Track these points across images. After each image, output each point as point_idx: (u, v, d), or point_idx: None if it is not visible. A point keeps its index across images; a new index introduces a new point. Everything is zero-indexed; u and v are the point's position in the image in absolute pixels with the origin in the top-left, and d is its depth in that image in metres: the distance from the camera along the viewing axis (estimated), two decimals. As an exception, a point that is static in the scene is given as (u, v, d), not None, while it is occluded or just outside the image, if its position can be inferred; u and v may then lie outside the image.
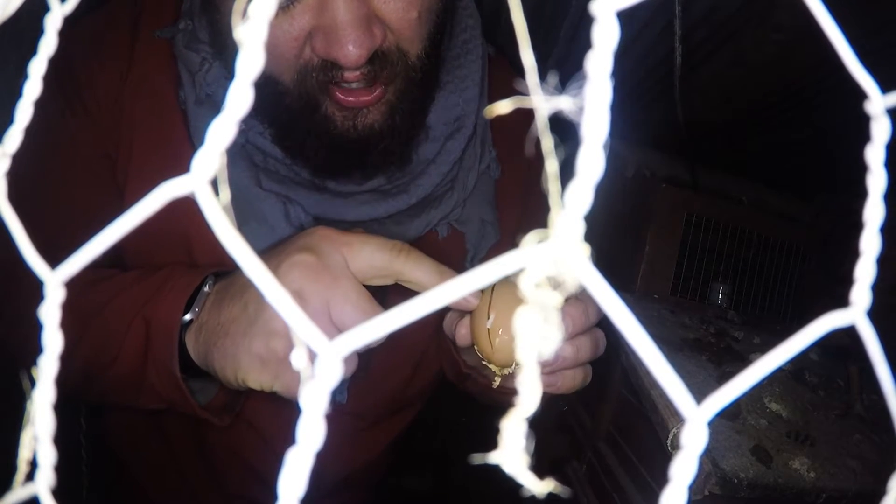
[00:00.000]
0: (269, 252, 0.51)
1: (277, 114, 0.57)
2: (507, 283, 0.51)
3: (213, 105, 0.62)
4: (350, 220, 0.64)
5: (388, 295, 0.71)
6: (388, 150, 0.60)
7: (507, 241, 0.74)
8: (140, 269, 0.60)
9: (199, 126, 0.62)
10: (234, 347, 0.48)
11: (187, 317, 0.51)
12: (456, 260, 0.72)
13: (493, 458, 0.13)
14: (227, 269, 0.54)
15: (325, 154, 0.59)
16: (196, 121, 0.62)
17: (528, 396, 0.13)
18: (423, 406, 0.89)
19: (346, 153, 0.59)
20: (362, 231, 0.53)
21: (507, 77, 0.78)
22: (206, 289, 0.53)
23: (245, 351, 0.47)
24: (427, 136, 0.66)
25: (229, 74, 0.61)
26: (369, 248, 0.48)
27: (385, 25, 0.52)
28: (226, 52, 0.59)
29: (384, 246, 0.49)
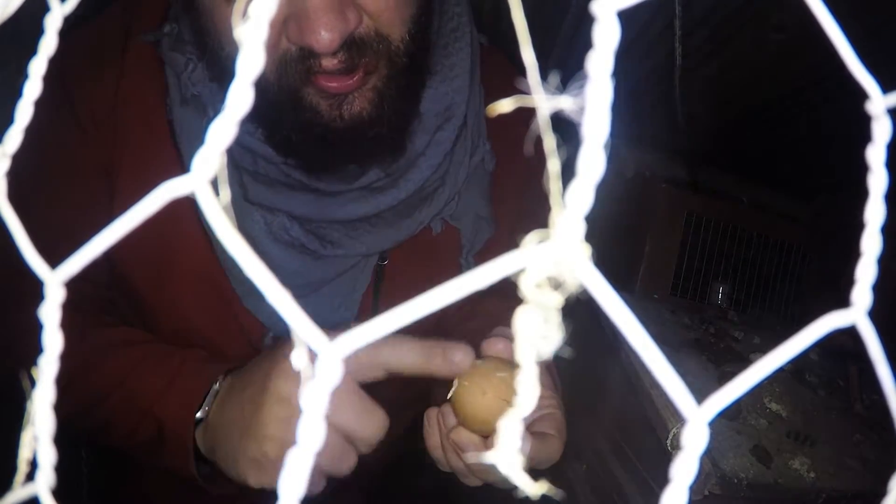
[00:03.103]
0: (264, 356, 0.52)
1: (264, 111, 0.56)
2: (499, 363, 0.48)
3: (199, 105, 0.61)
4: (340, 219, 0.63)
5: (379, 300, 0.71)
6: (379, 139, 0.58)
7: (503, 236, 0.73)
8: (145, 346, 0.61)
9: (185, 127, 0.62)
10: (233, 451, 0.50)
11: (199, 415, 0.54)
12: (451, 256, 0.71)
13: (489, 457, 0.13)
14: (237, 364, 0.56)
15: (315, 148, 0.58)
16: (181, 122, 0.62)
17: (526, 397, 0.13)
18: (423, 407, 0.88)
19: (336, 145, 0.58)
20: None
21: (502, 67, 0.76)
22: (217, 387, 0.55)
23: (242, 455, 0.49)
24: (419, 126, 0.64)
25: (212, 75, 0.60)
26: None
27: (361, 10, 0.51)
28: (207, 52, 0.58)
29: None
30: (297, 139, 0.58)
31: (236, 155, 0.62)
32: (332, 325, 0.67)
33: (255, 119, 0.59)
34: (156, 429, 0.56)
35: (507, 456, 0.13)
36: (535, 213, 0.78)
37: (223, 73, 0.58)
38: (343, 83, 0.54)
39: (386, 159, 0.62)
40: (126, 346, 0.61)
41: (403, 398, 0.83)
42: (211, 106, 0.61)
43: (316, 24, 0.48)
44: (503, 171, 0.74)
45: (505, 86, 0.75)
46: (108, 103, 0.64)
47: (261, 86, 0.54)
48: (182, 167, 0.60)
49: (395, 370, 0.49)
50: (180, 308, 0.68)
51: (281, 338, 0.56)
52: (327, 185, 0.63)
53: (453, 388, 0.48)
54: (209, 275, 0.64)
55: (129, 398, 0.57)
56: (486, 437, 0.48)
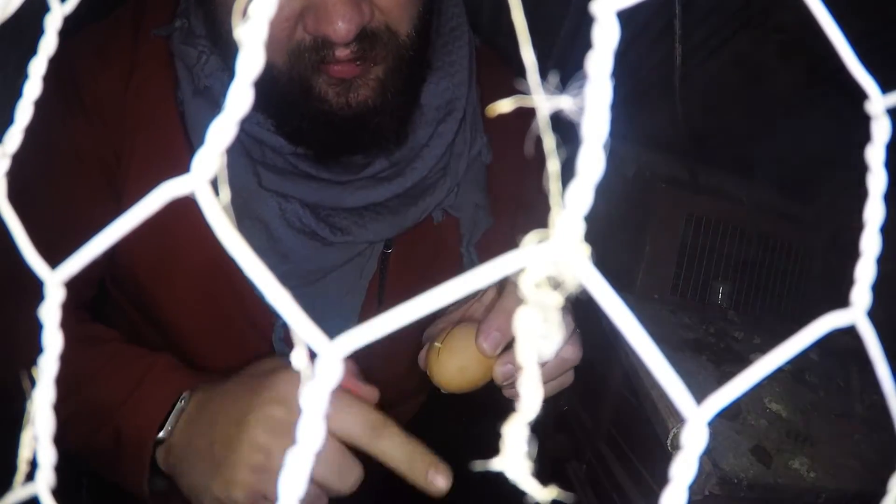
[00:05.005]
0: (240, 383, 0.51)
1: (273, 100, 0.58)
2: (469, 326, 0.55)
3: (211, 97, 0.62)
4: (348, 207, 0.65)
5: (385, 286, 0.72)
6: (382, 127, 0.61)
7: (500, 227, 0.76)
8: (114, 344, 0.61)
9: (197, 120, 0.63)
10: (198, 485, 0.50)
11: (161, 435, 0.53)
12: (451, 245, 0.73)
13: (495, 464, 0.13)
14: (202, 385, 0.55)
15: (324, 135, 0.60)
16: (194, 114, 0.63)
17: (529, 401, 0.13)
18: (426, 398, 0.88)
19: (343, 132, 0.60)
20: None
21: (495, 66, 0.79)
22: (182, 404, 0.53)
23: (206, 492, 0.49)
24: (421, 118, 0.67)
25: (226, 66, 0.62)
26: (351, 416, 0.49)
27: (374, 4, 0.54)
28: (221, 43, 0.60)
29: (366, 419, 0.49)
30: (306, 127, 0.60)
31: (247, 145, 0.63)
32: (340, 310, 0.69)
33: (266, 109, 0.61)
34: (113, 439, 0.55)
35: (514, 462, 0.13)
36: (532, 207, 0.79)
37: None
38: (347, 68, 0.56)
39: (389, 147, 0.65)
40: (94, 343, 0.60)
41: (404, 391, 0.83)
42: (223, 97, 0.61)
43: (334, 14, 0.51)
44: (498, 164, 0.76)
45: (499, 83, 0.77)
46: (117, 97, 0.65)
47: (272, 76, 0.56)
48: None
49: (376, 456, 0.50)
50: (187, 302, 0.68)
51: (276, 354, 0.56)
52: (334, 176, 0.64)
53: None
54: (218, 267, 0.65)
55: (92, 400, 0.56)
56: (467, 388, 0.56)
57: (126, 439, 0.54)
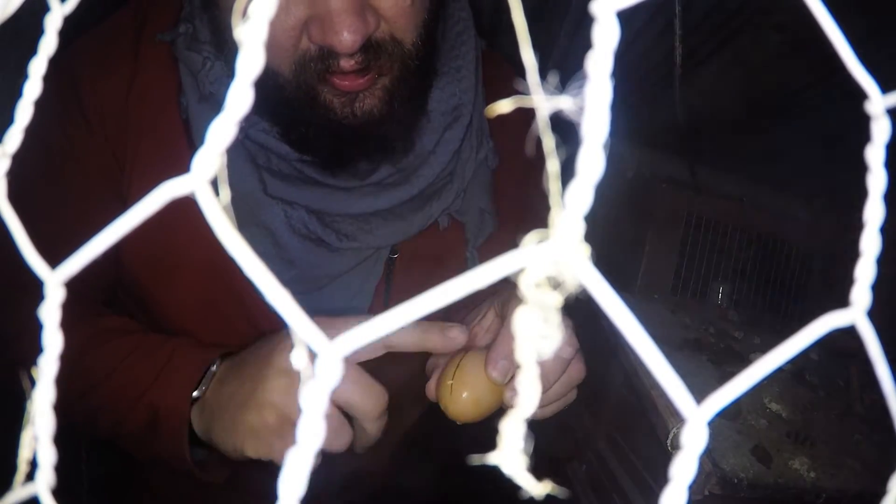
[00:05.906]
0: (261, 342, 0.54)
1: (279, 108, 0.58)
2: (477, 354, 0.55)
3: (216, 103, 0.62)
4: (354, 213, 0.65)
5: (391, 291, 0.72)
6: (388, 136, 0.61)
7: (504, 231, 0.75)
8: (139, 335, 0.62)
9: (202, 126, 0.63)
10: (232, 421, 0.52)
11: (195, 394, 0.55)
12: (457, 249, 0.73)
13: (492, 458, 0.13)
14: (231, 349, 0.58)
15: (329, 143, 0.60)
16: (198, 120, 0.63)
17: (527, 398, 0.13)
18: (424, 407, 0.88)
19: (348, 140, 0.60)
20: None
21: (501, 70, 0.79)
22: (214, 368, 0.56)
23: (241, 423, 0.51)
24: (428, 124, 0.67)
25: (230, 72, 0.62)
26: (346, 326, 0.50)
27: (379, 14, 0.54)
28: (226, 48, 0.60)
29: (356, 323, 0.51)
30: (312, 135, 0.60)
31: (252, 151, 0.63)
32: (346, 315, 0.69)
33: (272, 116, 0.61)
34: (148, 415, 0.56)
35: (510, 457, 0.13)
36: (536, 210, 0.79)
37: None
38: (354, 82, 0.56)
39: (396, 155, 0.65)
40: (120, 334, 0.62)
41: (404, 399, 0.83)
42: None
43: (339, 25, 0.50)
44: (504, 168, 0.76)
45: (504, 86, 0.76)
46: (119, 102, 0.64)
47: (278, 84, 0.56)
48: None
49: (394, 347, 0.52)
50: (188, 304, 0.68)
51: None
52: (340, 182, 0.64)
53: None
54: (219, 269, 0.65)
55: (122, 385, 0.58)
56: (482, 417, 0.54)
57: (162, 411, 0.56)
